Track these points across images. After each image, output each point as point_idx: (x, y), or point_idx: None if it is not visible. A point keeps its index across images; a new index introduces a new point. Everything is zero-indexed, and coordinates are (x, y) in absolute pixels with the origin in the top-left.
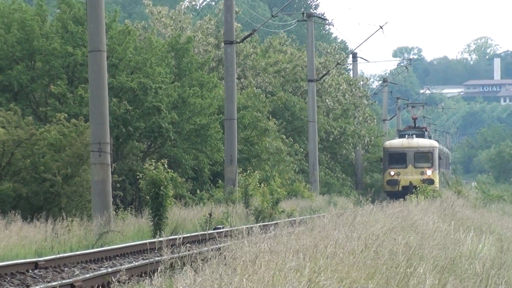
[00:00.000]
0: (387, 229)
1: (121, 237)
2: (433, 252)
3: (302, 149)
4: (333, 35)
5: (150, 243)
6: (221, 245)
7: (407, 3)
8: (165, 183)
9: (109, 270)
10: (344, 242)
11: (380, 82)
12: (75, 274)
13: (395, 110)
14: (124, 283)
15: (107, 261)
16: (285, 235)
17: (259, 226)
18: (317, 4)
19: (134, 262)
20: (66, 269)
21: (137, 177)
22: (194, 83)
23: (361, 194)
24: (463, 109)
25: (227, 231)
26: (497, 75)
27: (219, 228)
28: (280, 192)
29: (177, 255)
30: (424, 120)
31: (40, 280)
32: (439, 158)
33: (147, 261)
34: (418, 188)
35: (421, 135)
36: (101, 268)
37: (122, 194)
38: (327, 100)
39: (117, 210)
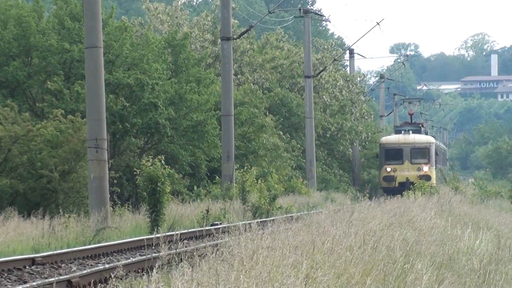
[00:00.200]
0: (384, 225)
1: (118, 233)
2: (431, 248)
3: (299, 145)
4: (330, 31)
5: (147, 239)
6: (218, 241)
7: None
8: (162, 179)
9: (106, 266)
10: (342, 238)
11: (377, 78)
12: (72, 270)
13: (392, 106)
14: (121, 279)
15: (104, 257)
16: (282, 231)
17: (257, 222)
18: (313, 0)
19: (131, 258)
20: (63, 265)
21: (134, 173)
22: (191, 79)
23: (358, 190)
24: (460, 105)
25: (224, 227)
26: (494, 71)
27: (216, 224)
28: (277, 188)
29: (175, 251)
30: (422, 116)
31: (37, 276)
32: (436, 154)
33: (145, 257)
34: (415, 184)
35: (418, 131)
36: (98, 264)
37: (119, 190)
38: (324, 96)
39: (114, 206)
